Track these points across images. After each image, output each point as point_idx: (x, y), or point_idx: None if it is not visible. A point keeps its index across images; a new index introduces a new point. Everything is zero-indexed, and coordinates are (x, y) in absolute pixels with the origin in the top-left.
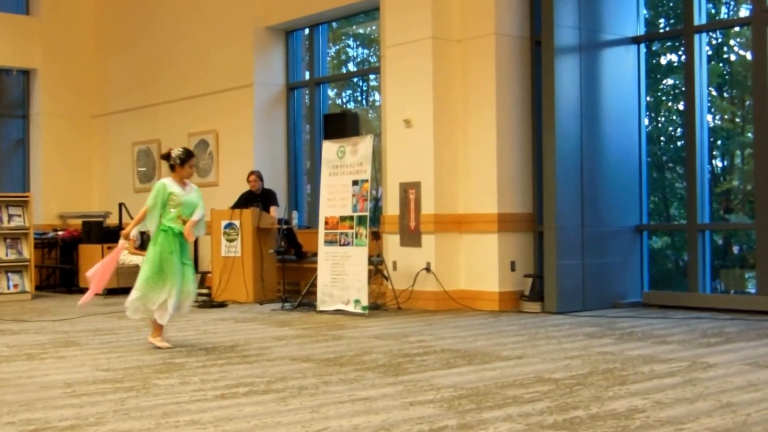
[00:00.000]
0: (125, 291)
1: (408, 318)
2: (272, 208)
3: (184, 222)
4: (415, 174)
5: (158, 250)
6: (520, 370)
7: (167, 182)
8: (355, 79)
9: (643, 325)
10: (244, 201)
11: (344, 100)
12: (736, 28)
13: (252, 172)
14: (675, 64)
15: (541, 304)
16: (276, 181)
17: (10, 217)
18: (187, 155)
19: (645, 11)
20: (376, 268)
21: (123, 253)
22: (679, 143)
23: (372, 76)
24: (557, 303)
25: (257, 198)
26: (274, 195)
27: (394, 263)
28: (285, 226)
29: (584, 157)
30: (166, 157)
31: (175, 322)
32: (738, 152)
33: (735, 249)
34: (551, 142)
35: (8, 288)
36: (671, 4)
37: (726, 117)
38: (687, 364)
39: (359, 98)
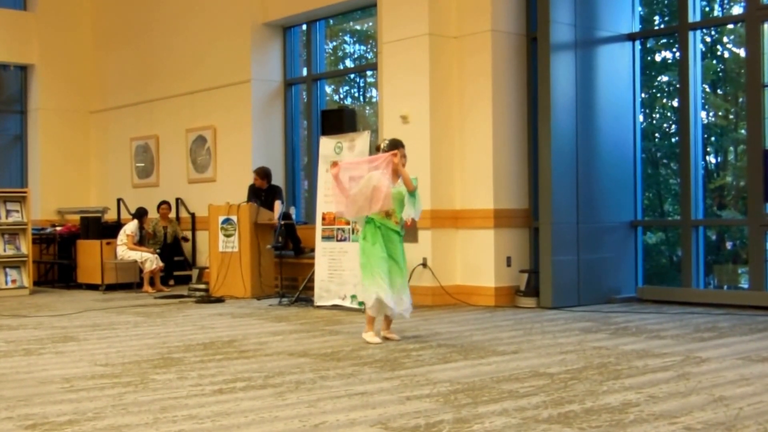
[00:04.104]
0: (124, 286)
1: None
2: (276, 202)
3: (388, 214)
4: (412, 170)
5: (361, 243)
6: (516, 364)
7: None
8: (352, 76)
9: (637, 320)
10: (251, 194)
11: (341, 96)
12: (730, 26)
13: (255, 171)
14: (669, 61)
15: (536, 299)
16: (274, 177)
17: (8, 212)
18: (389, 146)
19: (640, 8)
20: None
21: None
22: (673, 140)
23: (369, 73)
24: (552, 298)
25: (262, 192)
26: (280, 191)
27: None
28: (284, 221)
29: (579, 154)
30: (378, 149)
31: (173, 317)
32: (731, 149)
33: (728, 245)
34: (547, 138)
35: (6, 283)
36: (666, 2)
37: (720, 114)
38: (680, 359)
39: (356, 94)
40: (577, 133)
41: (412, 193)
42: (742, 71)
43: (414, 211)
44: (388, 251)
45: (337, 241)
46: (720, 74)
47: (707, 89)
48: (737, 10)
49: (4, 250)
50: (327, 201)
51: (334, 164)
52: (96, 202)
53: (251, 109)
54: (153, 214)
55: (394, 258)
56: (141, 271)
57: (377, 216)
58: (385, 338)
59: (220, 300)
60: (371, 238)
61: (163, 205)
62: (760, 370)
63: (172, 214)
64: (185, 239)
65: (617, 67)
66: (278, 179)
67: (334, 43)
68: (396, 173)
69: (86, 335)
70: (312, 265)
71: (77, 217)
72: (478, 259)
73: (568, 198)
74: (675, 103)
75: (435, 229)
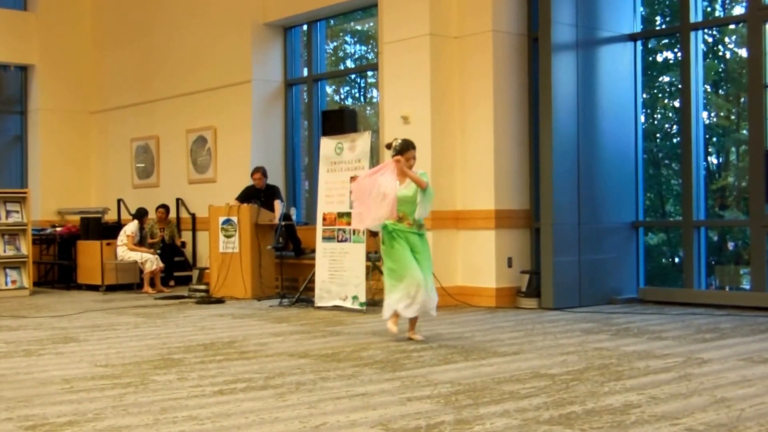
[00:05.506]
0: (124, 287)
1: None
2: (276, 202)
3: (400, 219)
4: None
5: (382, 249)
6: (517, 365)
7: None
8: (353, 76)
9: (639, 321)
10: (247, 195)
11: (342, 96)
12: (732, 26)
13: (257, 170)
14: (671, 62)
15: (537, 300)
16: (274, 178)
17: (8, 213)
18: (401, 146)
19: (641, 8)
20: (374, 265)
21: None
22: (674, 140)
23: (370, 73)
24: (554, 299)
25: (260, 193)
26: (278, 190)
27: None
28: (285, 222)
29: (581, 154)
30: (389, 146)
31: (174, 318)
32: (733, 149)
33: (730, 245)
34: (548, 138)
35: (6, 284)
36: (667, 2)
37: (721, 114)
38: (682, 360)
39: (357, 95)
40: (579, 134)
41: (424, 190)
42: (744, 71)
43: (425, 210)
44: (412, 251)
45: (338, 241)
46: (721, 74)
47: (709, 89)
48: (739, 10)
49: (4, 251)
50: (328, 201)
51: (353, 179)
52: (96, 202)
53: (252, 110)
54: (153, 215)
55: (419, 256)
56: (141, 271)
57: (389, 222)
58: (410, 339)
59: (220, 301)
60: (389, 242)
61: (160, 209)
62: (762, 372)
63: (173, 215)
64: (184, 245)
65: (618, 68)
66: (279, 180)
67: (335, 44)
68: (402, 174)
69: (86, 336)
70: (312, 266)
71: (77, 217)
72: (479, 260)
73: (569, 199)
74: (676, 104)
75: (436, 229)
